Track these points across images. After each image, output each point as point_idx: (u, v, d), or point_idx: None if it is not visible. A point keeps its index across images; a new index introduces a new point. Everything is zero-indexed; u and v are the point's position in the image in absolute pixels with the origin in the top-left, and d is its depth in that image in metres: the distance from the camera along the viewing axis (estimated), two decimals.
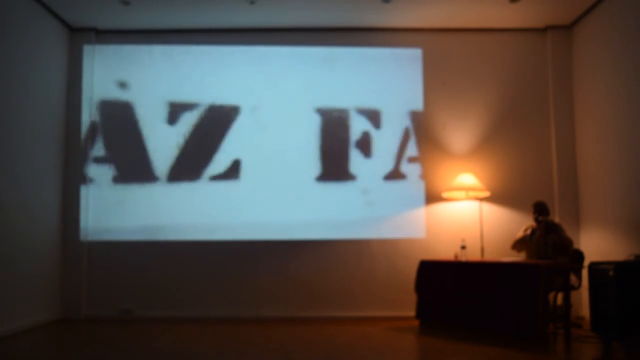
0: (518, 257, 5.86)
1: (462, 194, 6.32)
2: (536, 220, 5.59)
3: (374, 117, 6.63)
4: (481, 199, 6.37)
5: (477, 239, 6.27)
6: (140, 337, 5.36)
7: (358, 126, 6.62)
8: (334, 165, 6.60)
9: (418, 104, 6.62)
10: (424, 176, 6.54)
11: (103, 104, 6.61)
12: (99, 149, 6.57)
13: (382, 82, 6.66)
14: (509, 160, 6.54)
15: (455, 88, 6.65)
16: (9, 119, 5.43)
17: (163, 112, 6.61)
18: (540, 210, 5.59)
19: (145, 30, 6.65)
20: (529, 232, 5.68)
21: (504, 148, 6.57)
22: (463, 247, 5.73)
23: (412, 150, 6.59)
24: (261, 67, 6.68)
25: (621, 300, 4.33)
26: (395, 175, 6.57)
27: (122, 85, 6.63)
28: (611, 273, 4.41)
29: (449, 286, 5.54)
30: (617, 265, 4.43)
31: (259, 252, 6.46)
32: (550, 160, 6.51)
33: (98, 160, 6.56)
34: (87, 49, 6.62)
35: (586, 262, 5.07)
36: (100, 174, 6.54)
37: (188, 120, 6.62)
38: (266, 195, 6.53)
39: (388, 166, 6.58)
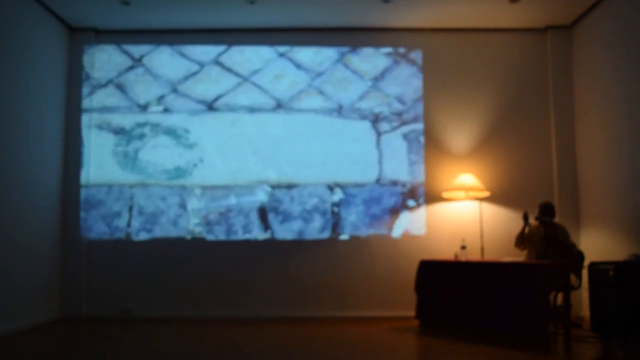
0: (518, 257, 5.86)
1: (462, 194, 6.32)
2: (536, 218, 5.56)
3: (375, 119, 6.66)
4: (481, 199, 6.37)
5: (477, 239, 6.27)
6: (140, 337, 5.36)
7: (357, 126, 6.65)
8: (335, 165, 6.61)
9: (418, 105, 6.63)
10: (425, 176, 6.55)
11: (103, 103, 6.61)
12: (98, 148, 6.58)
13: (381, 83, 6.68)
14: (509, 161, 6.54)
15: (455, 88, 6.64)
16: (9, 119, 5.43)
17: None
18: (543, 211, 5.52)
19: (145, 30, 6.64)
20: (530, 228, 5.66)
21: (504, 148, 6.56)
22: (463, 247, 5.73)
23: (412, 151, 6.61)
24: (262, 67, 6.69)
25: (621, 300, 4.33)
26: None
27: (122, 85, 6.64)
28: (611, 273, 4.41)
29: (449, 286, 5.53)
30: (617, 265, 4.44)
31: (259, 252, 6.46)
32: (550, 160, 6.51)
33: (98, 160, 6.55)
34: (87, 49, 6.62)
35: (586, 262, 5.06)
36: (100, 173, 6.54)
37: None
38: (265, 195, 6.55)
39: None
